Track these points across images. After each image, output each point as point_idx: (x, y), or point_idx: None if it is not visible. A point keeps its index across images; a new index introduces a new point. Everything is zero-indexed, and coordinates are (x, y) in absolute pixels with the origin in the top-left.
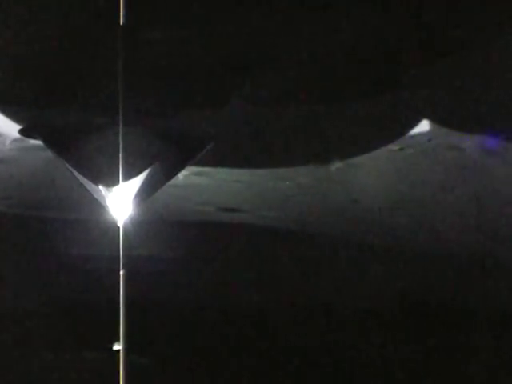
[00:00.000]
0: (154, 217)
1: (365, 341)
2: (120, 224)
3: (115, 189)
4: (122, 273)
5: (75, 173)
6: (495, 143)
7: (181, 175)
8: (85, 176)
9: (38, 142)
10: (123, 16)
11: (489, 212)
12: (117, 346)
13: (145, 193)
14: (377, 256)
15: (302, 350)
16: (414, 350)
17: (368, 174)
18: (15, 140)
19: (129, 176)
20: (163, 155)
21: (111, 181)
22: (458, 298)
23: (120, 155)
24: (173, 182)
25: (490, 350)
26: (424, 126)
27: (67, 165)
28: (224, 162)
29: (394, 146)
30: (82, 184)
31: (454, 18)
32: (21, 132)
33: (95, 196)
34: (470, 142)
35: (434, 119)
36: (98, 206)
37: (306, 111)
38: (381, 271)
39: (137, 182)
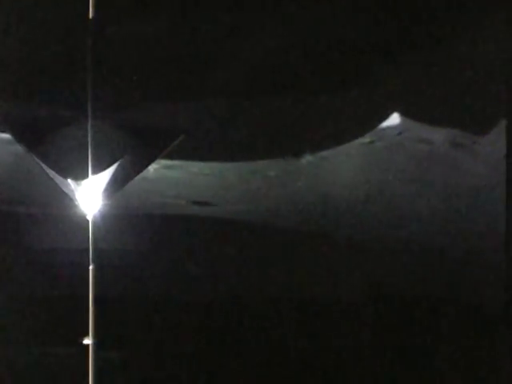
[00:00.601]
0: (124, 210)
1: (337, 332)
2: (89, 218)
3: (84, 182)
4: (91, 267)
5: (44, 166)
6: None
7: (151, 168)
8: (54, 170)
9: (6, 136)
10: (92, 9)
11: (457, 205)
12: (86, 341)
13: (114, 186)
14: (348, 249)
15: (272, 343)
16: (385, 340)
17: (339, 168)
18: None
19: (98, 169)
20: (132, 148)
21: (80, 174)
22: (430, 291)
23: (89, 148)
24: (143, 175)
25: (459, 340)
26: (394, 119)
27: (36, 158)
28: (195, 156)
29: (364, 139)
30: (51, 178)
31: (423, 13)
32: None
33: (64, 190)
34: (439, 136)
35: (404, 113)
36: (67, 199)
37: (276, 105)
38: (351, 264)
39: (106, 175)
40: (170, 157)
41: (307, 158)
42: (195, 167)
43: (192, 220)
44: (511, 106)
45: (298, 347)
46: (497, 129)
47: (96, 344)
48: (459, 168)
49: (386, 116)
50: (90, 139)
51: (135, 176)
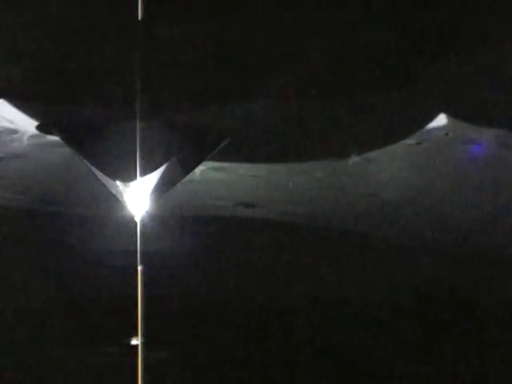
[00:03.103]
0: (171, 212)
1: (379, 332)
2: (137, 219)
3: (132, 184)
4: (139, 268)
5: (92, 168)
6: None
7: (198, 170)
8: (102, 171)
9: (55, 138)
10: (141, 11)
11: (506, 205)
12: (135, 341)
13: (162, 188)
14: (393, 249)
15: (319, 343)
16: (425, 341)
17: (385, 169)
18: (33, 136)
19: (146, 171)
20: (180, 150)
21: (128, 176)
22: (473, 292)
23: (137, 150)
24: (190, 177)
25: (499, 341)
26: (441, 120)
27: (84, 160)
28: (241, 157)
29: (411, 141)
30: (99, 179)
31: (470, 14)
32: (38, 128)
33: (113, 191)
34: (487, 136)
35: (450, 113)
36: (115, 201)
37: (323, 106)
38: (397, 264)
39: (154, 177)
40: (216, 158)
41: (354, 159)
42: (242, 169)
43: (238, 221)
44: None
45: (345, 346)
46: None
47: (144, 344)
48: (506, 168)
49: (432, 117)
50: (138, 141)
51: (183, 177)
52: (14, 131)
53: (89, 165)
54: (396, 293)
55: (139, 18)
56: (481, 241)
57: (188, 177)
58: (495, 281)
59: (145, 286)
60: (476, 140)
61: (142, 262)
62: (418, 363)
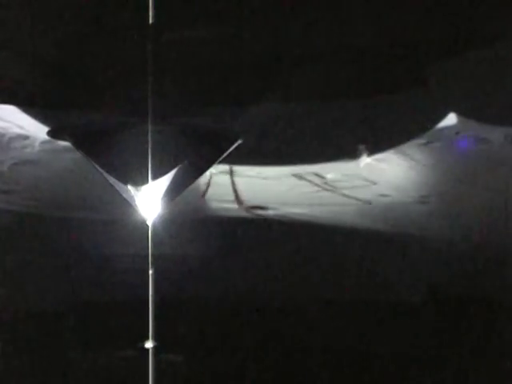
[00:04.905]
0: (182, 215)
1: (394, 333)
2: (149, 223)
3: (144, 188)
4: (151, 272)
5: (104, 173)
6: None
7: (208, 173)
8: (113, 176)
9: (66, 144)
10: (152, 15)
11: None
12: (147, 345)
13: (173, 191)
14: (406, 249)
15: (332, 344)
16: (442, 342)
17: (396, 169)
18: (44, 142)
19: (157, 175)
20: (191, 154)
21: (140, 180)
22: (485, 292)
23: (149, 154)
24: (201, 180)
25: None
26: (451, 119)
27: (96, 165)
28: (251, 160)
29: (421, 140)
30: (110, 184)
31: (482, 11)
32: (49, 134)
33: (124, 196)
34: (498, 135)
35: (461, 112)
36: (127, 205)
37: (332, 108)
38: (409, 264)
39: (165, 180)
40: (227, 161)
41: (364, 160)
42: (252, 171)
43: (250, 224)
44: None
45: (355, 347)
46: None
47: (156, 347)
48: None
49: (442, 116)
50: (150, 145)
51: (194, 181)
52: (26, 137)
53: (100, 169)
54: (408, 292)
55: (150, 21)
56: (491, 241)
57: (199, 180)
58: (505, 280)
59: (156, 289)
60: (487, 138)
61: (153, 266)
62: (437, 364)
